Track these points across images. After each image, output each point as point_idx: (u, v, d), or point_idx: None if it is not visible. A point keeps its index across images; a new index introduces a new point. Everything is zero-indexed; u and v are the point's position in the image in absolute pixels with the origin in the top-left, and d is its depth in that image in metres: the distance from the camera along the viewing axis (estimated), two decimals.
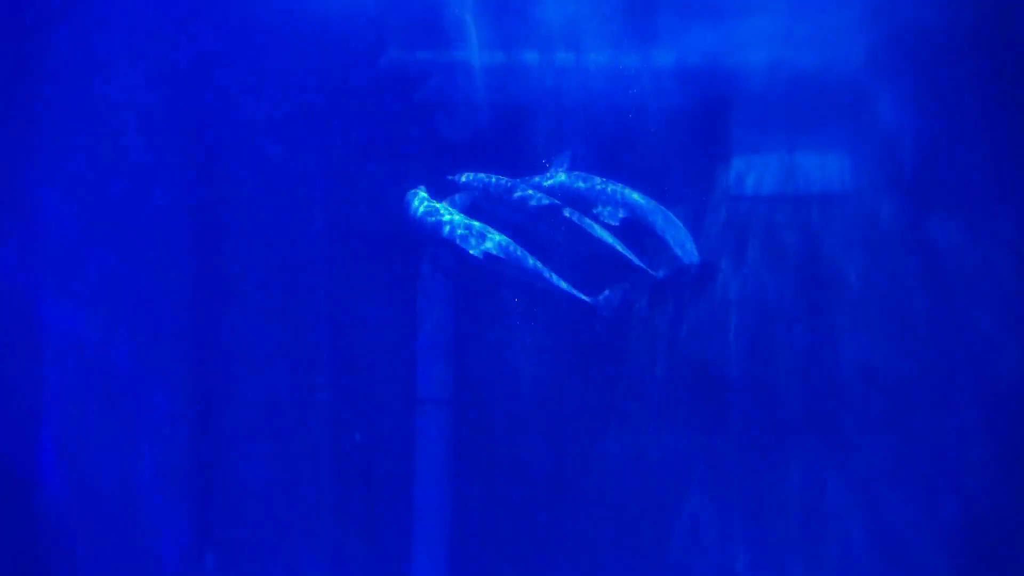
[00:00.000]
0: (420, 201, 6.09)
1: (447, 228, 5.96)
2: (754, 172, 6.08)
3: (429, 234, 6.04)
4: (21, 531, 6.04)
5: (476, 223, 6.00)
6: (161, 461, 6.19)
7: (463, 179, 6.16)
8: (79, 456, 6.10)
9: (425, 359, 6.31)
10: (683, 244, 6.01)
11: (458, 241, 5.89)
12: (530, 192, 6.04)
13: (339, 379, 6.30)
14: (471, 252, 5.83)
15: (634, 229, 6.06)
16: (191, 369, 6.27)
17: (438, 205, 6.07)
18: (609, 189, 6.06)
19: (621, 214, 6.01)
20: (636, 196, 6.05)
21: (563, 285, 5.96)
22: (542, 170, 6.19)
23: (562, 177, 6.11)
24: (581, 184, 6.09)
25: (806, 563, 5.96)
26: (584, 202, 6.06)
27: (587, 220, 6.01)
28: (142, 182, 6.13)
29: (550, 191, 6.07)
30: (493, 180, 6.13)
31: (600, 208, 6.03)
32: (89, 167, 6.07)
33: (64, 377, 6.10)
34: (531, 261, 5.94)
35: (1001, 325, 5.73)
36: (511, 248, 5.93)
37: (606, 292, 6.01)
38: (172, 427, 6.22)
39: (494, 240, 5.91)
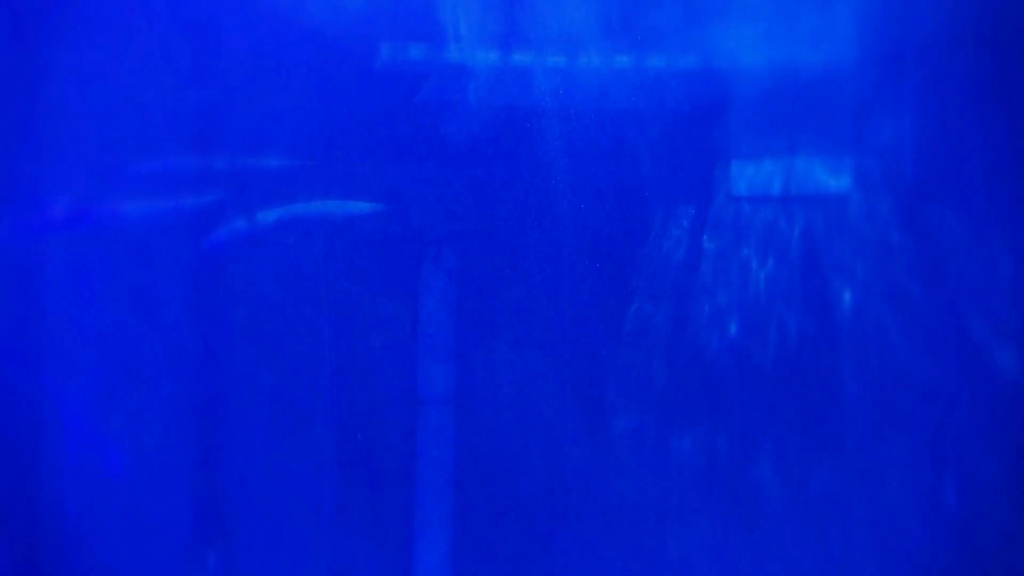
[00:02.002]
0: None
1: None
2: (754, 173, 6.09)
3: None
4: (21, 531, 6.05)
5: None
6: (160, 460, 6.19)
7: None
8: (80, 455, 6.10)
9: (426, 359, 6.31)
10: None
11: None
12: None
13: (341, 379, 6.30)
14: None
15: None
16: (192, 367, 6.27)
17: None
18: None
19: None
20: None
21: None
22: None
23: None
24: None
25: (806, 562, 5.98)
26: None
27: None
28: (136, 182, 6.13)
29: None
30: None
31: None
32: (86, 165, 6.08)
33: (64, 375, 6.11)
34: None
35: (1002, 325, 5.74)
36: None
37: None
38: (172, 426, 6.22)
39: None
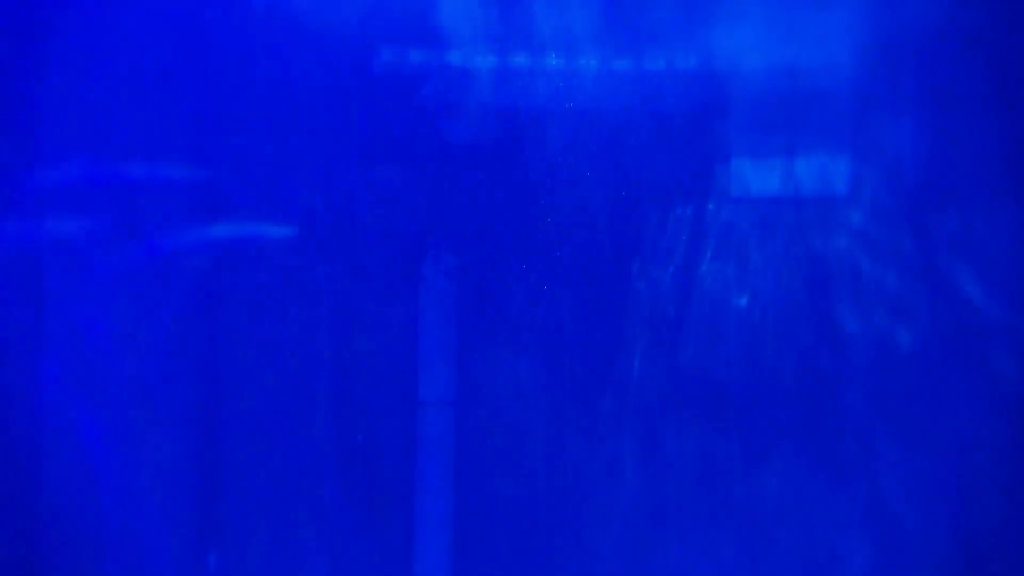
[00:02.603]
0: None
1: None
2: (753, 175, 6.09)
3: None
4: (21, 531, 6.05)
5: None
6: (161, 461, 6.20)
7: None
8: (80, 455, 6.11)
9: (427, 361, 6.31)
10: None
11: None
12: None
13: (341, 380, 6.31)
14: None
15: None
16: (193, 369, 6.28)
17: None
18: None
19: None
20: None
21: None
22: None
23: None
24: None
25: (807, 564, 5.97)
26: None
27: None
28: (135, 182, 6.15)
29: None
30: None
31: None
32: (88, 164, 6.10)
33: (65, 375, 6.12)
34: None
35: (1002, 326, 5.73)
36: None
37: None
38: (173, 426, 6.22)
39: None
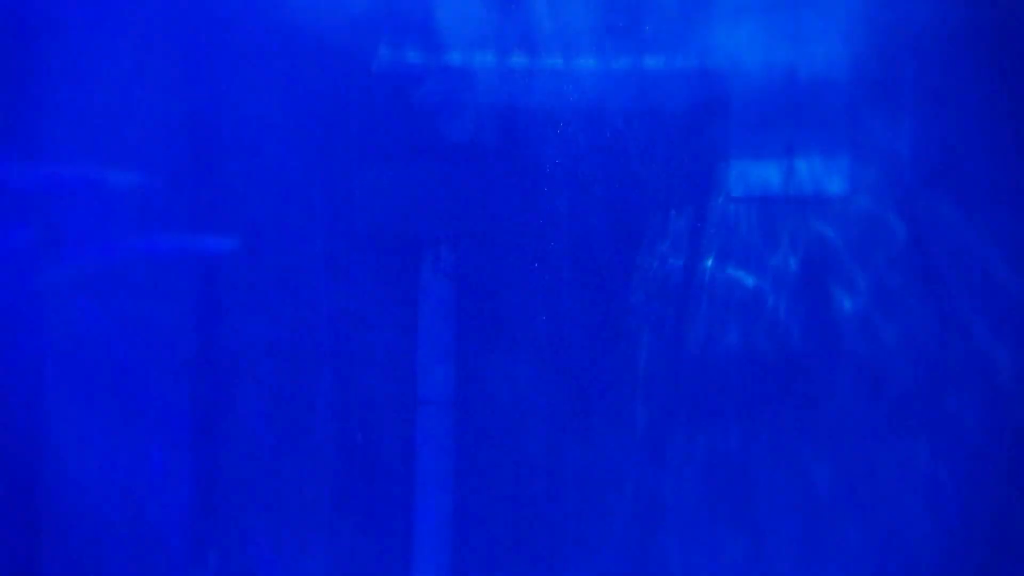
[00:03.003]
0: None
1: None
2: (753, 175, 6.08)
3: None
4: (21, 531, 6.08)
5: None
6: (160, 460, 6.21)
7: None
8: (80, 455, 6.13)
9: (427, 361, 6.32)
10: None
11: None
12: None
13: (342, 380, 6.31)
14: None
15: None
16: (192, 368, 6.29)
17: None
18: None
19: None
20: None
21: None
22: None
23: None
24: None
25: (805, 562, 5.96)
26: None
27: None
28: (137, 181, 6.17)
29: None
30: None
31: None
32: (89, 163, 6.13)
33: (64, 373, 6.14)
34: None
35: (1002, 327, 5.72)
36: None
37: None
38: (172, 426, 6.24)
39: None
